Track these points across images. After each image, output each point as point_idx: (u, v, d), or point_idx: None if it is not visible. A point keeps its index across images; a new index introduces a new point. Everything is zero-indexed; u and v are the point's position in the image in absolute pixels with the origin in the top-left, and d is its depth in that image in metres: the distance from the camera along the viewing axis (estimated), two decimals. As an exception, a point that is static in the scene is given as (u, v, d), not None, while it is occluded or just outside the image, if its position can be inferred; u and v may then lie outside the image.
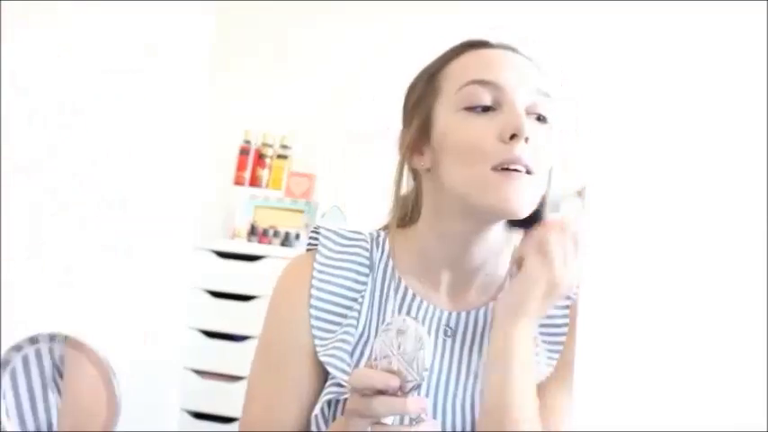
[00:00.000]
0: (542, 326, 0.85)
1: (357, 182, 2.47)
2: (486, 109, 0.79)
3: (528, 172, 0.77)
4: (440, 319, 0.85)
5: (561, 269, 0.78)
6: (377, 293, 0.86)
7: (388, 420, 0.68)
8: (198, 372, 2.40)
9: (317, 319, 0.83)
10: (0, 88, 1.48)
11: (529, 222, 0.82)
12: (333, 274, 0.85)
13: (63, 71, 1.72)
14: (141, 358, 2.19)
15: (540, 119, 0.81)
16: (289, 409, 0.82)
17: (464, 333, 0.85)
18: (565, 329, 0.85)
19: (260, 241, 2.48)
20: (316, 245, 0.88)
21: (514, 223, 0.84)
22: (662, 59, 2.46)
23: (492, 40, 0.84)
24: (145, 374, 2.23)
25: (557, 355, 0.83)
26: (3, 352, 1.19)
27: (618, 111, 2.46)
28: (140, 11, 2.01)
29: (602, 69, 2.46)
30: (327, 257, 0.86)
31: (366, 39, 2.67)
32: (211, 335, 2.39)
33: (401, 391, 0.67)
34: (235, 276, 2.38)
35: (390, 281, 0.87)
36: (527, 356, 0.77)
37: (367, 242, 0.89)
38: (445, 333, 0.85)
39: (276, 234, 2.48)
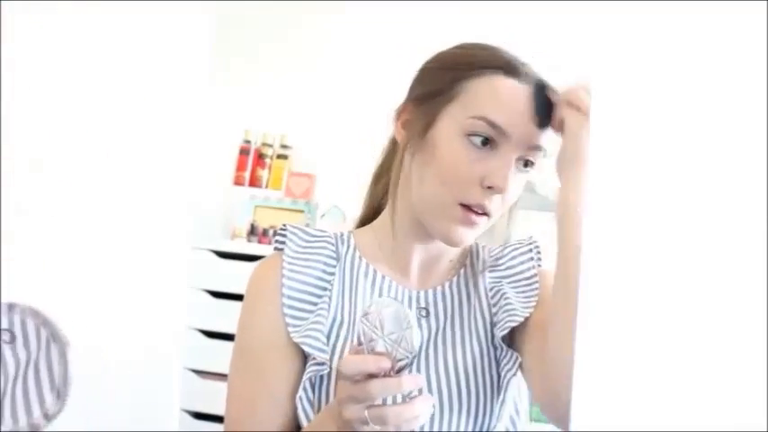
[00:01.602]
0: (512, 281, 0.90)
1: (357, 182, 2.47)
2: (485, 141, 0.82)
3: (487, 215, 0.83)
4: (410, 299, 0.89)
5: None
6: (346, 279, 0.89)
7: (388, 400, 0.69)
8: (197, 372, 2.40)
9: (290, 308, 0.86)
10: (0, 88, 1.48)
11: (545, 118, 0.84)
12: (302, 266, 0.89)
13: (62, 71, 1.72)
14: (141, 358, 2.19)
15: (527, 164, 0.84)
16: (269, 404, 0.83)
17: (435, 310, 0.89)
18: (536, 280, 0.90)
19: (260, 241, 2.48)
20: (283, 243, 0.91)
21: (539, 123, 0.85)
22: (662, 59, 2.45)
23: (524, 66, 0.85)
24: (144, 374, 2.24)
25: (533, 302, 0.87)
26: None
27: (618, 111, 2.45)
28: (140, 10, 2.01)
29: (603, 69, 2.46)
30: (295, 251, 0.90)
31: (366, 39, 2.67)
32: (211, 335, 2.39)
33: (393, 371, 0.68)
34: (235, 276, 2.37)
35: (359, 266, 0.91)
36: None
37: (332, 238, 0.93)
38: (420, 314, 0.88)
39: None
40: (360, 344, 0.70)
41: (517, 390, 0.88)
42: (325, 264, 0.90)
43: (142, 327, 2.20)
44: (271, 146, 2.64)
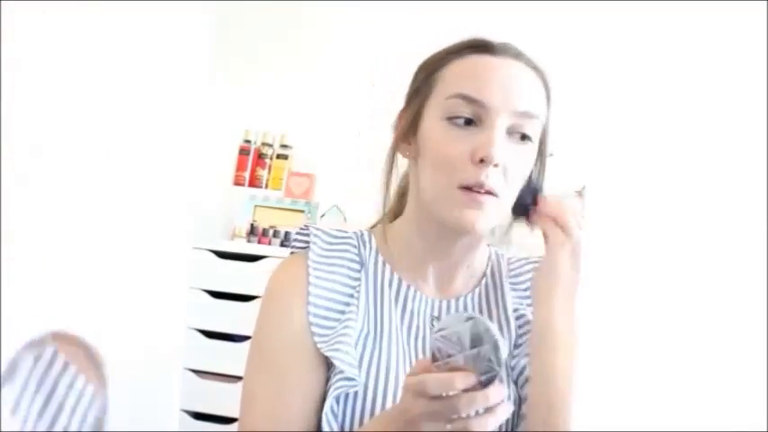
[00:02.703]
0: (531, 304, 0.87)
1: (357, 182, 2.47)
2: (468, 122, 0.80)
3: (493, 194, 0.80)
4: (431, 308, 0.87)
5: (578, 232, 0.80)
6: (371, 288, 0.87)
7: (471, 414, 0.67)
8: (197, 372, 2.40)
9: (316, 316, 0.83)
10: (0, 88, 1.48)
11: (523, 209, 0.83)
12: (328, 271, 0.86)
13: (62, 71, 1.72)
14: (141, 358, 2.19)
15: (524, 138, 0.82)
16: (291, 409, 0.81)
17: None
18: None
19: (260, 241, 2.48)
20: (305, 244, 0.89)
21: (518, 213, 0.85)
22: (662, 59, 2.45)
23: (497, 42, 0.84)
24: (144, 375, 2.23)
25: None
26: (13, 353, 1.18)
27: (618, 111, 2.45)
28: (140, 10, 2.01)
29: (603, 70, 2.46)
30: (320, 255, 0.87)
31: (366, 39, 2.67)
32: (211, 335, 2.39)
33: (479, 385, 0.66)
34: (234, 276, 2.37)
35: (383, 274, 0.88)
36: (569, 327, 0.78)
37: (354, 240, 0.91)
38: (432, 323, 0.87)
39: (276, 234, 2.48)
40: (435, 360, 0.68)
41: None
42: (350, 269, 0.87)
43: (142, 327, 2.20)
44: (271, 146, 2.64)
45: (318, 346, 0.81)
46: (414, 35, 2.44)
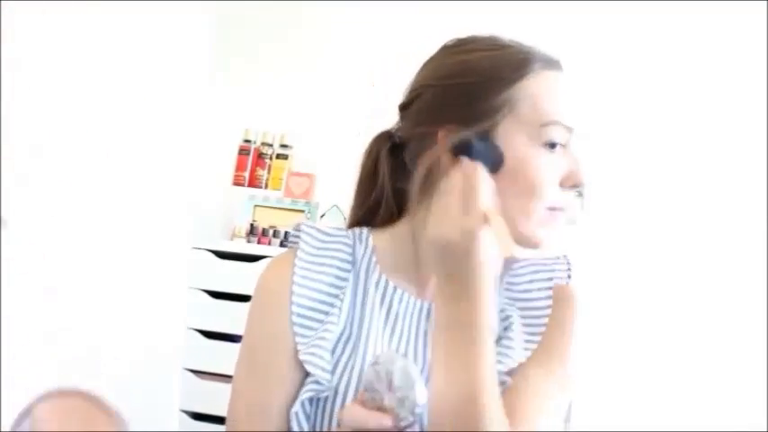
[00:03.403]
0: (522, 308, 0.86)
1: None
2: (562, 144, 0.81)
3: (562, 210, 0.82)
4: (421, 309, 0.86)
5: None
6: (359, 289, 0.87)
7: None
8: (197, 372, 2.39)
9: (299, 316, 0.83)
10: (0, 88, 1.48)
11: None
12: (314, 271, 0.86)
13: (62, 72, 1.72)
14: (140, 359, 2.19)
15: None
16: (272, 407, 0.82)
17: None
18: (547, 312, 0.84)
19: (259, 241, 2.48)
20: (296, 243, 0.88)
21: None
22: (662, 60, 2.45)
23: (553, 55, 0.85)
24: (144, 375, 2.23)
25: (537, 338, 0.83)
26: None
27: (617, 111, 2.46)
28: (140, 10, 2.01)
29: (603, 70, 2.46)
30: (309, 254, 0.87)
31: (366, 39, 2.67)
32: (210, 335, 2.38)
33: (395, 429, 0.66)
34: (234, 277, 2.37)
35: (371, 275, 0.87)
36: (457, 369, 0.70)
37: (349, 238, 0.90)
38: (426, 317, 0.85)
39: (276, 234, 2.48)
40: (365, 392, 0.68)
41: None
42: (339, 268, 0.87)
43: (142, 327, 2.20)
44: (270, 146, 2.64)
45: (298, 348, 0.82)
46: (414, 35, 2.44)
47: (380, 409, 0.66)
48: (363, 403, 0.68)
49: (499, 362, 0.78)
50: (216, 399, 2.35)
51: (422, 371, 0.80)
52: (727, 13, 2.35)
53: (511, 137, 0.79)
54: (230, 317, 2.35)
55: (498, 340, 0.83)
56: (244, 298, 2.34)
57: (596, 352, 2.11)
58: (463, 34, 0.89)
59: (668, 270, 2.35)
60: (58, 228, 1.76)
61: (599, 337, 2.16)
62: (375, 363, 0.68)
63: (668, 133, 2.41)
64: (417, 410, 0.66)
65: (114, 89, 1.95)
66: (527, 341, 0.83)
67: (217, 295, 2.39)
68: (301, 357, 0.81)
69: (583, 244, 2.34)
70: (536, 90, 0.80)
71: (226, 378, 2.35)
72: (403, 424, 0.66)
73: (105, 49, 1.89)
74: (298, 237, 0.88)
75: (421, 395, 0.66)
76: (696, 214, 2.36)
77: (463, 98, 0.81)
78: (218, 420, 2.35)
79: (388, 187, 0.91)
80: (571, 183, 0.80)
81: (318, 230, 0.89)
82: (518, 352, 0.81)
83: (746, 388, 2.23)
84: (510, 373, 0.80)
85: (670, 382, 2.29)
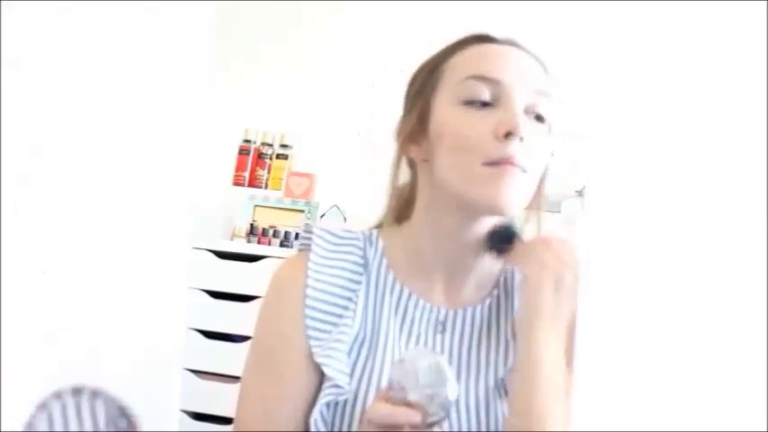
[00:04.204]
0: None
1: (357, 182, 2.47)
2: (484, 104, 0.79)
3: (521, 168, 0.78)
4: (436, 317, 0.85)
5: (559, 263, 0.76)
6: (371, 293, 0.86)
7: None
8: (197, 372, 2.39)
9: (313, 319, 0.82)
10: (0, 88, 1.48)
11: (505, 242, 0.81)
12: (327, 274, 0.85)
13: (61, 71, 1.72)
14: (140, 359, 2.19)
15: (539, 118, 0.81)
16: (284, 409, 0.81)
17: (461, 329, 0.85)
18: None
19: (259, 241, 2.48)
20: (308, 244, 0.87)
21: (492, 248, 0.82)
22: (662, 59, 2.45)
23: (497, 35, 0.85)
24: (144, 375, 2.23)
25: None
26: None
27: (617, 111, 2.45)
28: (140, 10, 2.01)
29: (602, 69, 2.46)
30: (322, 257, 0.86)
31: (366, 39, 2.67)
32: (210, 335, 2.38)
33: (423, 426, 0.65)
34: (234, 277, 2.37)
35: (385, 280, 0.86)
36: (555, 365, 0.74)
37: (360, 241, 0.89)
38: (435, 329, 0.85)
39: (276, 234, 2.48)
40: (391, 389, 0.68)
41: None
42: (352, 271, 0.86)
43: (141, 327, 2.20)
44: (270, 146, 2.64)
45: (312, 351, 0.80)
46: (414, 35, 2.44)
47: (407, 405, 0.66)
48: (389, 400, 0.67)
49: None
50: (216, 399, 2.35)
51: None
52: (727, 13, 2.35)
53: (438, 106, 0.82)
54: (230, 317, 2.35)
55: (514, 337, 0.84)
56: (244, 298, 2.34)
57: (596, 352, 2.11)
58: (463, 34, 0.89)
59: (668, 270, 2.35)
60: (58, 227, 1.76)
61: (599, 337, 2.16)
62: (401, 360, 0.68)
63: (669, 133, 2.41)
64: (448, 406, 0.66)
65: (114, 89, 1.95)
66: None
67: (217, 295, 2.39)
68: (318, 360, 0.80)
69: (583, 244, 2.34)
70: (464, 56, 0.82)
71: (226, 378, 2.35)
72: (433, 419, 0.65)
73: (104, 49, 1.89)
74: (309, 239, 0.88)
75: (452, 391, 0.66)
76: (697, 214, 2.37)
77: (408, 90, 0.88)
78: (219, 420, 2.35)
79: (398, 178, 0.92)
80: (503, 130, 0.76)
81: (330, 233, 0.89)
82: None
83: (746, 388, 2.24)
84: None
85: (670, 381, 2.30)
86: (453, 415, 0.79)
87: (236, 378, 2.32)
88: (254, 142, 2.66)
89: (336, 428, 0.79)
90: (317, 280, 0.84)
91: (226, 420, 2.34)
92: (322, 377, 0.81)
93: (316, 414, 0.79)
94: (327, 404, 0.80)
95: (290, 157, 2.64)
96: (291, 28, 2.72)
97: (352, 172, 2.53)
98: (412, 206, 0.90)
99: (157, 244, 2.33)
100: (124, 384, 2.10)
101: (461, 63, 0.82)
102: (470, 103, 0.79)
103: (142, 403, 2.26)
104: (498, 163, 0.77)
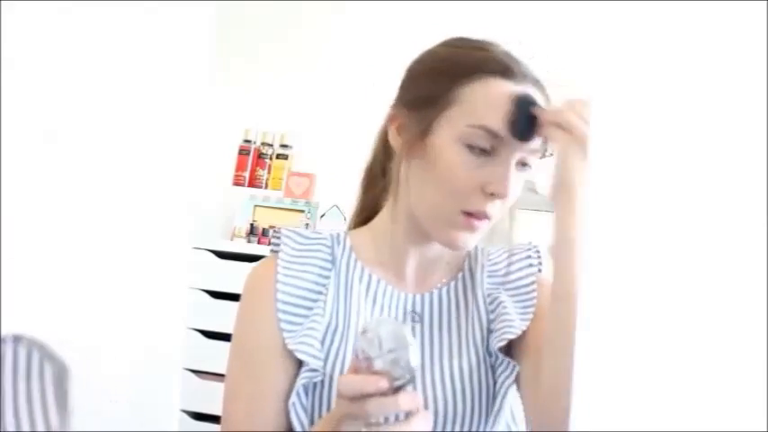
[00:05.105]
0: (509, 289, 0.90)
1: (357, 182, 2.47)
2: (484, 151, 0.81)
3: (489, 219, 0.83)
4: (405, 303, 0.89)
5: (584, 129, 0.77)
6: (341, 284, 0.89)
7: (382, 419, 0.68)
8: (197, 372, 2.40)
9: (284, 312, 0.86)
10: (0, 87, 1.48)
11: (527, 132, 0.82)
12: (296, 270, 0.89)
13: (61, 70, 1.72)
14: (140, 358, 2.19)
15: (524, 164, 0.84)
16: (267, 403, 0.84)
17: (430, 315, 0.89)
18: (533, 287, 0.89)
19: (259, 242, 2.48)
20: (278, 246, 0.91)
21: (518, 136, 0.83)
22: (662, 59, 2.45)
23: (518, 67, 0.83)
24: (144, 375, 2.23)
25: (531, 310, 0.87)
26: None
27: (617, 110, 2.45)
28: (140, 10, 2.01)
29: (602, 69, 2.46)
30: (290, 255, 0.90)
31: (366, 39, 2.67)
32: (211, 335, 2.39)
33: (391, 391, 0.67)
34: (234, 277, 2.37)
35: (354, 269, 0.90)
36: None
37: (327, 240, 0.93)
38: (413, 319, 0.88)
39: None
40: (357, 360, 0.70)
41: (513, 397, 0.87)
42: (321, 267, 0.90)
43: (141, 327, 2.20)
44: (271, 146, 2.64)
45: (286, 341, 0.84)
46: (414, 35, 2.44)
47: (375, 373, 0.68)
48: (357, 371, 0.69)
49: (504, 332, 0.84)
50: (216, 399, 2.33)
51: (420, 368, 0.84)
52: (727, 13, 2.35)
53: (443, 130, 0.82)
54: (230, 317, 2.33)
55: (495, 318, 0.87)
56: (244, 298, 2.34)
57: (596, 352, 2.11)
58: (462, 34, 0.89)
59: (668, 269, 2.35)
60: (58, 227, 1.76)
61: (599, 336, 2.16)
62: (364, 331, 0.70)
63: (668, 133, 2.41)
64: (413, 368, 0.68)
65: (114, 89, 1.95)
66: (521, 314, 0.87)
67: (217, 295, 2.40)
68: (291, 347, 0.83)
69: (584, 243, 2.34)
70: (477, 95, 0.82)
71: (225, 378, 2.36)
72: (399, 383, 0.67)
73: (105, 49, 1.89)
74: (278, 241, 0.92)
75: (414, 356, 0.68)
76: (697, 214, 2.37)
77: (416, 83, 0.87)
78: (218, 420, 2.35)
79: (378, 171, 0.96)
80: (492, 190, 0.80)
81: (298, 234, 0.93)
82: (517, 323, 0.85)
83: (746, 388, 2.24)
84: (512, 345, 0.84)
85: (670, 381, 2.30)
86: (441, 392, 0.83)
87: (236, 378, 2.33)
88: (255, 142, 2.66)
89: (317, 414, 0.82)
90: (286, 275, 0.88)
91: (221, 422, 2.34)
92: (299, 368, 0.83)
93: (293, 398, 0.82)
94: (305, 389, 0.83)
95: (290, 157, 2.64)
96: (291, 28, 2.72)
97: (352, 172, 2.53)
98: (383, 195, 0.93)
99: (158, 244, 2.32)
100: (124, 384, 2.11)
101: (473, 102, 0.81)
102: (471, 147, 0.81)
103: (142, 403, 2.25)
104: (474, 215, 0.81)
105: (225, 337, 2.36)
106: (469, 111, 0.81)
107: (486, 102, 0.81)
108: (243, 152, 2.64)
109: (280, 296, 0.87)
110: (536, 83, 0.84)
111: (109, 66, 1.90)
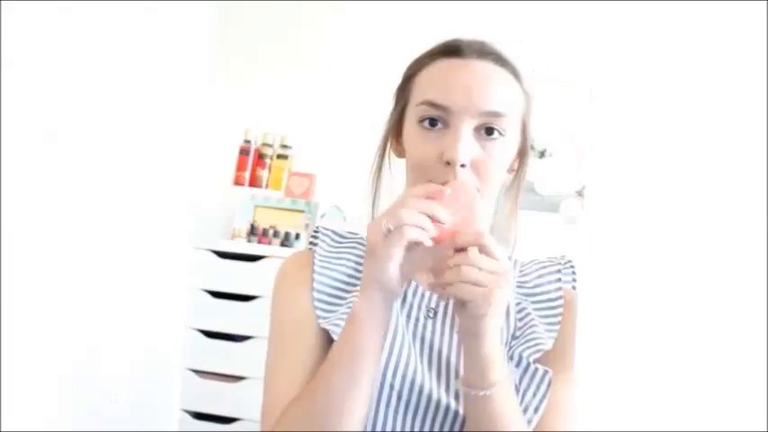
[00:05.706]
0: (536, 302, 0.91)
1: (357, 182, 2.47)
2: (437, 125, 0.84)
3: None
4: (429, 300, 0.92)
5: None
6: None
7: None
8: (198, 372, 2.40)
9: (320, 301, 0.90)
10: (0, 87, 1.48)
11: None
12: (332, 264, 0.93)
13: (61, 72, 1.72)
14: (141, 358, 2.19)
15: (492, 132, 0.84)
16: (308, 376, 0.85)
17: (444, 311, 0.92)
18: (560, 302, 0.91)
19: (260, 241, 2.48)
20: (315, 242, 0.96)
21: None
22: (662, 59, 2.45)
23: (465, 42, 0.87)
24: (145, 375, 2.23)
25: (556, 327, 0.89)
26: None
27: (617, 111, 2.46)
28: (140, 10, 2.01)
29: (602, 69, 2.46)
30: (326, 251, 0.95)
31: (366, 39, 2.67)
32: (211, 335, 2.39)
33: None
34: (235, 277, 2.37)
35: None
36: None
37: (363, 239, 0.97)
38: (427, 314, 0.91)
39: (276, 234, 2.48)
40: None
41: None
42: (356, 263, 0.94)
43: (142, 327, 2.20)
44: (271, 146, 2.64)
45: (319, 322, 0.88)
46: (414, 35, 2.44)
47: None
48: None
49: (533, 347, 0.86)
50: (216, 398, 2.35)
51: (428, 354, 0.87)
52: (727, 13, 2.35)
53: (407, 120, 0.89)
54: (231, 317, 2.35)
55: (522, 326, 0.89)
56: (244, 298, 2.34)
57: (597, 352, 2.11)
58: (462, 34, 0.90)
59: (668, 270, 2.35)
60: (59, 227, 1.76)
61: (599, 337, 2.16)
62: None
63: (668, 133, 2.41)
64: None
65: (114, 89, 1.95)
66: (548, 330, 0.89)
67: (217, 295, 2.40)
68: (324, 326, 0.87)
69: (583, 244, 2.34)
70: (425, 76, 0.88)
71: (226, 378, 2.35)
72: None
73: (105, 49, 1.89)
74: (317, 239, 0.97)
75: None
76: (696, 215, 2.37)
77: (398, 84, 0.94)
78: (219, 420, 2.35)
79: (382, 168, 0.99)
80: (446, 157, 0.82)
81: (335, 233, 0.98)
82: (544, 339, 0.87)
83: (746, 388, 2.24)
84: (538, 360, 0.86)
85: (670, 381, 2.30)
86: (452, 390, 0.85)
87: (236, 378, 2.33)
88: (255, 142, 2.66)
89: None
90: (323, 267, 0.93)
91: (226, 420, 2.34)
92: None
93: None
94: None
95: (290, 158, 2.64)
96: (291, 28, 2.72)
97: (352, 172, 2.53)
98: None
99: (158, 244, 2.33)
100: (124, 384, 2.11)
101: (423, 82, 0.87)
102: (423, 123, 0.85)
103: (142, 403, 2.26)
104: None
105: (225, 336, 2.37)
106: (419, 93, 0.87)
107: (429, 79, 0.87)
108: (243, 152, 2.64)
109: (316, 285, 0.91)
110: (484, 55, 0.86)
111: (109, 66, 1.90)
